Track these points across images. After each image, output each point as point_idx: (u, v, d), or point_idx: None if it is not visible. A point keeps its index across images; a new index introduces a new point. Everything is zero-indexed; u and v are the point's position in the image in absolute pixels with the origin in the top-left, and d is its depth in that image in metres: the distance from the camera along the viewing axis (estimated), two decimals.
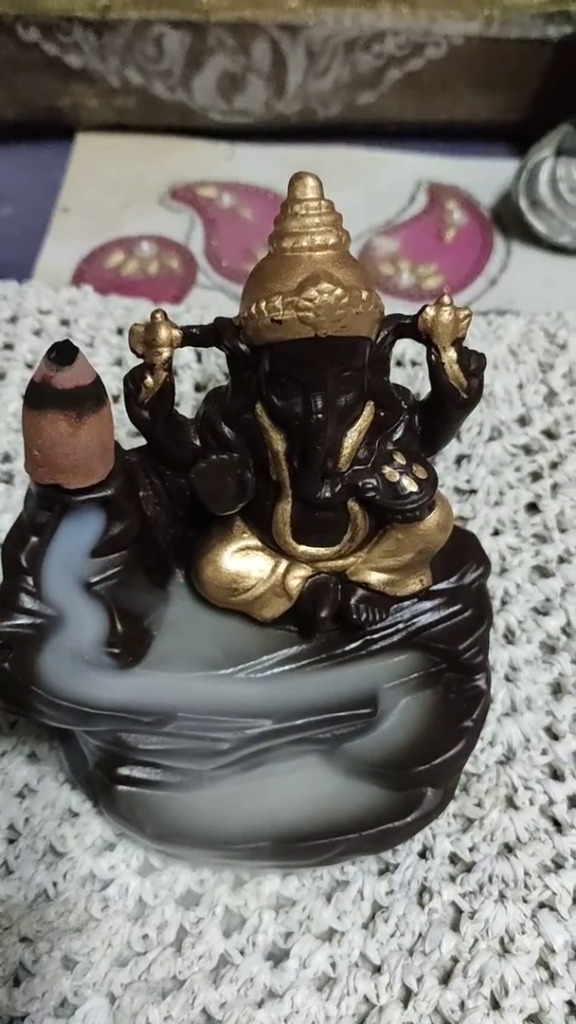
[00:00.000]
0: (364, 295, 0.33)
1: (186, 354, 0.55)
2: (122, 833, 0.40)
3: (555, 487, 0.50)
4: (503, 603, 0.46)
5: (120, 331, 0.56)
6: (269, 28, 0.66)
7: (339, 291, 0.32)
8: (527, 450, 0.51)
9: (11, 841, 0.40)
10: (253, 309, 0.33)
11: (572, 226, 0.64)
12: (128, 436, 0.47)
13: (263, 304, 0.33)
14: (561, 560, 0.48)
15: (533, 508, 0.50)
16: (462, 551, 0.41)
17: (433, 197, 0.70)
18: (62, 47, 0.67)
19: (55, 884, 0.39)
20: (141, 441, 0.38)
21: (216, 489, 0.36)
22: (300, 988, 0.36)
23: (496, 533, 0.49)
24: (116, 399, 0.49)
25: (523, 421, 0.53)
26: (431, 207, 0.69)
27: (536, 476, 0.50)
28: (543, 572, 0.48)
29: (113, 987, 0.36)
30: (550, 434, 0.52)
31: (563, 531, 0.48)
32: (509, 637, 0.46)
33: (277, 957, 0.37)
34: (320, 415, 0.34)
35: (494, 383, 0.53)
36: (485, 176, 0.71)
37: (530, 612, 0.46)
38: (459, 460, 0.51)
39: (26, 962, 0.36)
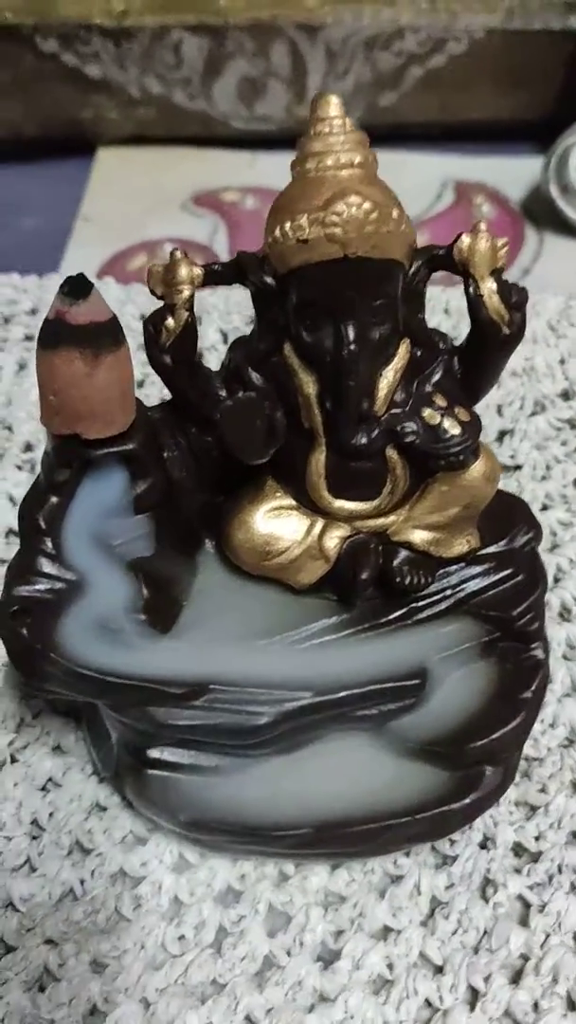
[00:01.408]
0: (395, 213, 0.31)
1: (211, 335, 0.53)
2: (154, 827, 0.36)
3: None
4: (556, 580, 0.43)
5: (143, 317, 0.54)
6: (287, 29, 0.65)
7: (368, 204, 0.30)
8: (572, 424, 0.48)
9: (34, 837, 0.36)
10: (277, 232, 0.31)
11: None
12: None
13: (287, 225, 0.31)
14: None
15: None
16: (510, 515, 0.38)
17: (460, 193, 0.69)
18: (81, 57, 0.67)
19: (82, 882, 0.35)
20: None
21: (245, 433, 0.33)
22: (354, 991, 0.32)
23: (545, 508, 0.46)
24: (141, 384, 0.47)
25: (567, 395, 0.50)
26: (459, 202, 0.68)
27: None
28: None
29: (147, 992, 0.32)
30: None
31: None
32: (565, 615, 0.42)
33: (327, 958, 0.33)
34: (353, 346, 0.31)
35: (535, 357, 0.50)
36: (512, 173, 0.70)
37: None
38: (502, 435, 0.48)
39: (51, 966, 0.33)
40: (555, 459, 0.47)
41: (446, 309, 0.52)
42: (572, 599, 0.42)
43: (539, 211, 0.66)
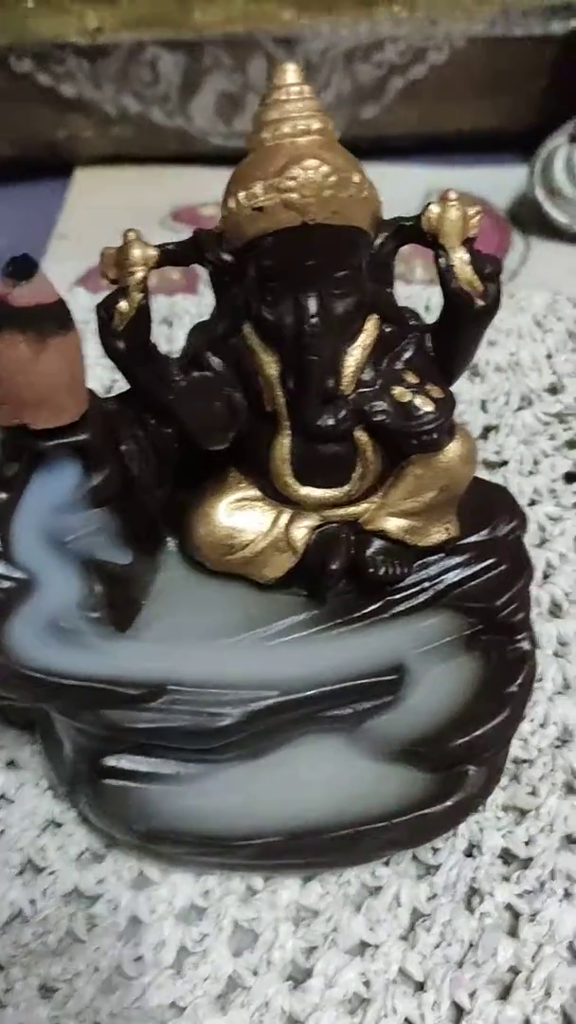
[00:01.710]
0: (356, 177, 0.29)
1: (182, 339, 0.51)
2: (112, 843, 0.34)
3: None
4: (545, 576, 0.41)
5: None
6: (264, 42, 0.65)
7: (325, 168, 0.28)
8: (561, 418, 0.47)
9: None
10: (232, 203, 0.30)
11: None
12: None
13: (242, 194, 0.29)
14: None
15: (572, 477, 0.45)
16: (492, 505, 0.36)
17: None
18: (56, 77, 0.66)
19: (33, 902, 0.33)
20: None
21: (202, 415, 0.31)
22: (326, 1010, 0.30)
23: (533, 503, 0.43)
24: (109, 391, 0.46)
25: (554, 390, 0.48)
26: None
27: (573, 444, 0.46)
28: None
29: (100, 1016, 0.30)
30: None
31: None
32: (556, 611, 0.40)
33: (298, 977, 0.31)
34: (315, 319, 0.30)
35: (520, 352, 0.49)
36: (497, 181, 0.69)
37: None
38: (487, 432, 0.47)
39: None
40: (543, 453, 0.45)
41: (427, 307, 0.50)
42: (563, 594, 0.40)
43: (525, 217, 0.65)
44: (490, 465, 0.45)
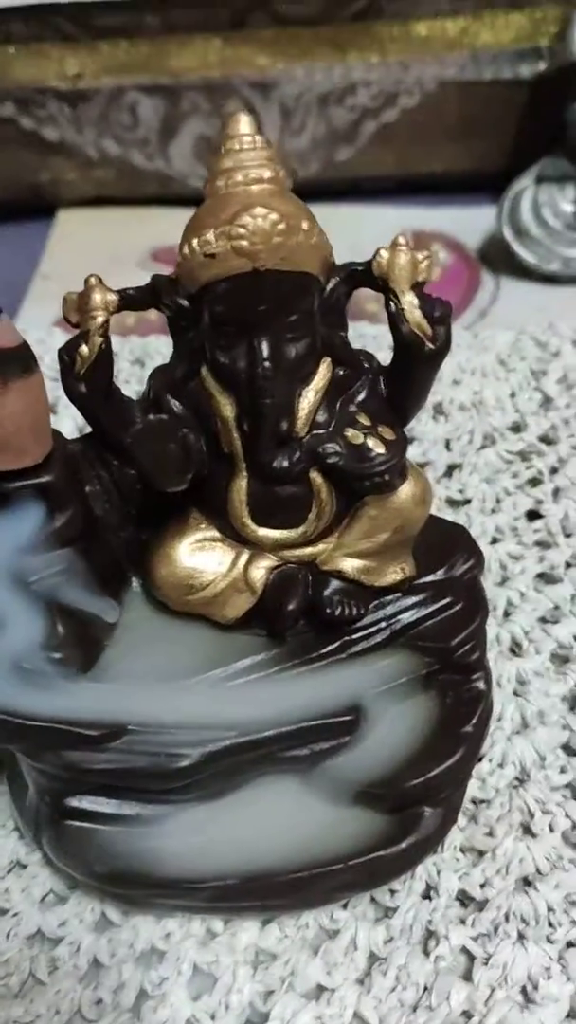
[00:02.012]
0: (305, 224, 0.30)
1: None
2: (75, 885, 0.34)
3: (557, 491, 0.46)
4: (506, 614, 0.41)
5: None
6: (240, 87, 0.66)
7: (275, 215, 0.29)
8: (523, 456, 0.47)
9: None
10: (186, 249, 0.31)
11: (560, 253, 0.61)
12: None
13: (195, 241, 0.30)
14: (569, 565, 0.43)
15: (534, 515, 0.45)
16: (450, 544, 0.37)
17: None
18: (38, 120, 0.67)
19: None
20: None
21: (157, 457, 0.32)
22: None
23: (495, 541, 0.44)
24: (81, 430, 0.46)
25: (517, 428, 0.49)
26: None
27: (535, 481, 0.46)
28: (549, 579, 0.43)
29: None
30: (547, 439, 0.48)
31: (568, 535, 0.44)
32: (516, 650, 0.40)
33: (255, 1020, 0.31)
34: (267, 363, 0.30)
35: (484, 391, 0.50)
36: (469, 222, 0.70)
37: (537, 622, 0.41)
38: (450, 470, 0.47)
39: None
40: (505, 491, 0.46)
41: (392, 346, 0.51)
42: (523, 633, 0.40)
43: (495, 256, 0.66)
44: (453, 503, 0.46)
